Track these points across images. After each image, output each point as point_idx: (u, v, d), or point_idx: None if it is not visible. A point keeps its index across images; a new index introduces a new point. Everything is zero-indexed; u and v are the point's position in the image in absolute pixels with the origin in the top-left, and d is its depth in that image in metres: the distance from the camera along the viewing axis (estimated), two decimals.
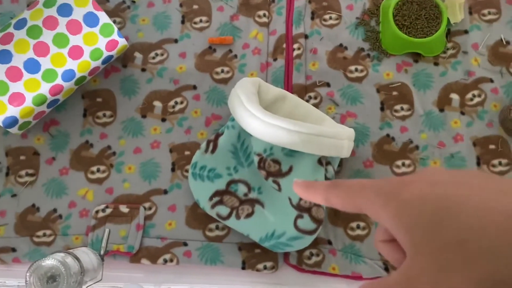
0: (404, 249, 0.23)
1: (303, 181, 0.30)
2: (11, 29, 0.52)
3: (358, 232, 0.55)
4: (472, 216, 0.21)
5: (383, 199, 0.24)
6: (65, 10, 0.52)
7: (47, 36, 0.51)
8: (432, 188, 0.23)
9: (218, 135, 0.56)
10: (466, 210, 0.21)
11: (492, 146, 0.58)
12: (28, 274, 0.38)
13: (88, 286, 0.42)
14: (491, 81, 0.60)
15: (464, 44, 0.61)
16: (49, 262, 0.38)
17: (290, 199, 0.52)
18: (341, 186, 0.28)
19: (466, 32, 0.61)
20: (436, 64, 0.61)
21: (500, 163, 0.57)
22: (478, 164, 0.57)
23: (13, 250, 0.55)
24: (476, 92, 0.59)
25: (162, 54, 0.61)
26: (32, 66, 0.51)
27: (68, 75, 0.53)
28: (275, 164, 0.52)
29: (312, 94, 0.60)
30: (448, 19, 0.60)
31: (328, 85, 0.60)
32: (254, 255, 0.54)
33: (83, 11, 0.52)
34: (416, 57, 0.61)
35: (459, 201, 0.22)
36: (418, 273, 0.22)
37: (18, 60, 0.51)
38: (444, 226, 0.22)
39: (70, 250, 0.42)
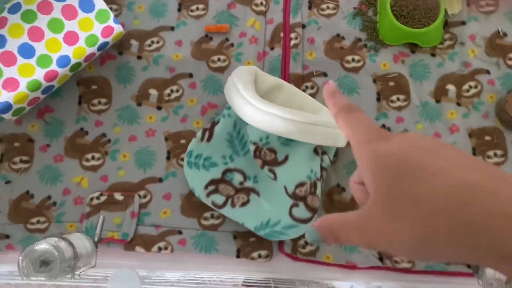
0: (369, 191, 0.27)
1: (333, 89, 0.33)
2: (5, 14, 0.51)
3: None
4: (429, 182, 0.25)
5: (364, 143, 0.28)
6: None
7: (42, 21, 0.51)
8: (407, 149, 0.27)
9: (214, 124, 0.55)
10: (427, 175, 0.25)
11: (487, 138, 0.58)
12: (20, 258, 0.38)
13: (81, 271, 0.42)
14: (488, 72, 0.60)
15: (461, 35, 0.61)
16: (42, 246, 0.38)
17: (285, 188, 0.52)
18: (353, 114, 0.31)
19: (463, 23, 0.61)
20: (433, 55, 0.60)
21: (495, 154, 0.57)
22: (474, 154, 0.57)
23: (7, 237, 0.54)
24: (472, 83, 0.59)
25: (158, 42, 0.61)
26: (26, 51, 0.51)
27: (63, 61, 0.53)
28: (271, 153, 0.52)
29: (308, 84, 0.59)
30: (445, 10, 0.60)
31: (325, 75, 0.60)
32: (249, 243, 0.54)
33: None
34: (413, 47, 0.61)
35: (423, 166, 0.26)
36: (374, 215, 0.26)
37: (12, 45, 0.50)
38: (405, 182, 0.25)
39: (64, 236, 0.42)
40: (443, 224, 0.24)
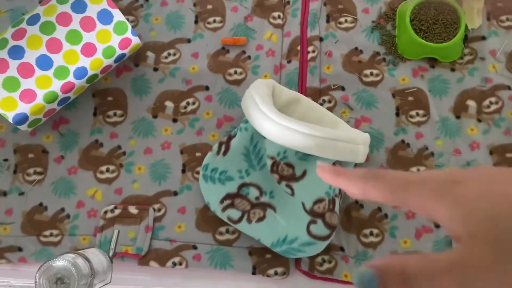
0: (456, 240, 0.23)
1: (331, 165, 0.28)
2: (23, 25, 0.51)
3: (371, 239, 0.54)
4: None
5: (438, 194, 0.24)
6: (79, 6, 0.51)
7: (60, 33, 0.51)
8: (489, 185, 0.24)
9: (230, 137, 0.55)
10: None
11: (509, 155, 0.56)
12: (37, 275, 0.37)
13: None
14: (509, 88, 0.59)
15: (481, 50, 0.60)
16: (60, 263, 0.37)
17: (303, 204, 0.51)
18: (382, 178, 0.26)
19: (483, 38, 0.61)
20: (452, 70, 0.60)
21: None
22: None
23: (19, 249, 0.54)
24: (493, 99, 0.58)
25: (174, 54, 0.60)
26: (44, 62, 0.50)
27: (80, 72, 0.52)
28: (288, 168, 0.51)
29: (326, 98, 0.59)
30: (465, 24, 0.59)
31: (342, 88, 0.59)
32: (265, 260, 0.53)
33: (97, 8, 0.51)
34: (433, 62, 0.60)
35: None
36: (476, 258, 0.22)
37: (30, 56, 0.50)
38: (502, 218, 0.22)
39: (80, 251, 0.41)
40: None
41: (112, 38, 0.53)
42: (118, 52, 0.54)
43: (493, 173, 0.25)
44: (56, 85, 0.52)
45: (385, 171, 0.27)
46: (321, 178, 0.29)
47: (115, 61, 0.55)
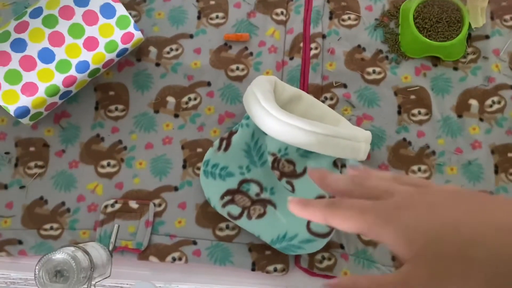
0: (402, 262, 0.26)
1: (299, 199, 0.31)
2: (26, 18, 0.51)
3: None
4: (472, 232, 0.24)
5: (385, 220, 0.27)
6: (82, 0, 0.51)
7: (62, 26, 0.50)
8: (429, 213, 0.26)
9: (231, 133, 0.55)
10: (466, 227, 0.25)
11: (510, 154, 0.56)
12: (37, 267, 0.37)
13: (96, 282, 0.41)
14: None
15: (484, 50, 0.60)
16: (60, 256, 0.37)
17: None
18: (340, 207, 0.28)
19: (487, 37, 0.60)
20: (455, 68, 0.59)
21: None
22: (496, 172, 0.56)
23: (20, 242, 0.54)
24: (496, 98, 0.58)
25: (177, 49, 0.60)
26: (46, 56, 0.50)
27: (82, 66, 0.52)
28: (289, 165, 0.51)
29: (328, 95, 0.59)
30: (469, 23, 0.59)
31: (344, 86, 0.59)
32: (264, 256, 0.53)
33: (100, 2, 0.51)
34: (435, 61, 0.60)
35: (457, 219, 0.25)
36: (415, 277, 0.25)
37: (32, 49, 0.50)
38: (445, 240, 0.25)
39: (80, 245, 0.41)
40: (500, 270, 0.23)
41: (115, 32, 0.53)
42: (121, 46, 0.54)
43: (439, 199, 0.27)
44: (58, 79, 0.51)
45: (343, 200, 0.29)
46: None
47: (117, 56, 0.55)
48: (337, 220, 0.28)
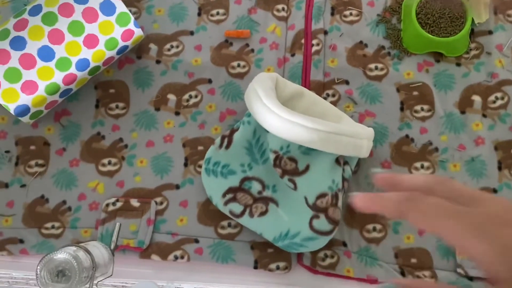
0: (492, 281, 0.25)
1: (364, 194, 0.29)
2: (25, 15, 0.50)
3: (374, 234, 0.54)
4: None
5: (475, 232, 0.25)
6: None
7: (62, 24, 0.50)
8: None
9: (233, 131, 0.54)
10: None
11: None
12: (39, 267, 0.37)
13: (98, 281, 0.41)
14: None
15: (487, 45, 0.59)
16: (61, 255, 0.37)
17: (306, 199, 0.50)
18: (423, 203, 0.27)
19: (490, 32, 0.60)
20: (458, 64, 0.59)
21: None
22: (500, 168, 0.55)
23: (21, 241, 0.53)
24: (499, 94, 0.58)
25: (177, 46, 0.60)
26: (46, 53, 0.50)
27: (82, 64, 0.52)
28: (291, 162, 0.51)
29: (330, 92, 0.58)
30: (472, 19, 0.58)
31: (347, 82, 0.58)
32: (266, 254, 0.53)
33: None
34: (438, 57, 0.59)
35: None
36: None
37: (32, 47, 0.49)
38: None
39: (82, 244, 0.41)
40: None
41: (115, 29, 0.52)
42: (121, 44, 0.54)
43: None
44: (58, 77, 0.51)
45: (422, 197, 0.27)
46: (363, 210, 0.29)
47: (117, 53, 0.55)
48: (416, 215, 0.27)
